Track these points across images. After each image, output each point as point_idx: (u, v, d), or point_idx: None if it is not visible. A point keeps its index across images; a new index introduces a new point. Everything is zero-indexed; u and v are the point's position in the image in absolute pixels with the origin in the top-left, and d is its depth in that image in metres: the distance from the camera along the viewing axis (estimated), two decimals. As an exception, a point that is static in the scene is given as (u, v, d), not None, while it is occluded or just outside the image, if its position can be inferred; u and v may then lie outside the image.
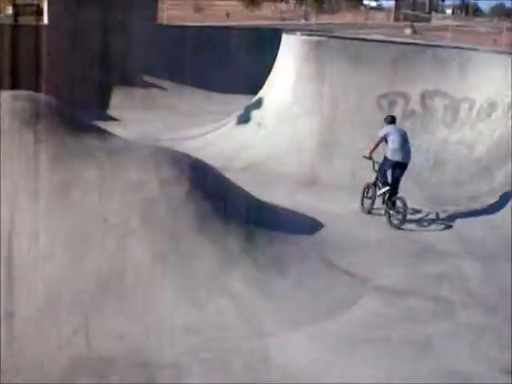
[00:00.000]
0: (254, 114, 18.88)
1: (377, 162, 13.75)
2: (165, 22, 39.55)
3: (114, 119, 24.09)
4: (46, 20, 29.13)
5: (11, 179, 9.57)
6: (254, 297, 9.12)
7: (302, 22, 69.79)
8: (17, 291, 8.64)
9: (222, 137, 18.82)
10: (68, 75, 25.68)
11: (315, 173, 16.22)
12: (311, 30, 29.88)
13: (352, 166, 16.15)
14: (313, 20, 65.53)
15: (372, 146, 13.72)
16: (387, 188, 13.51)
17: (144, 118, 24.10)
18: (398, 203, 13.32)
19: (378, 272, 10.59)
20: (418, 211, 14.07)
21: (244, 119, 19.15)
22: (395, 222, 13.25)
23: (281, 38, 19.96)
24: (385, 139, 13.55)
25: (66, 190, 9.46)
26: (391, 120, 13.94)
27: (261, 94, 19.69)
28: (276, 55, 19.82)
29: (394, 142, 13.31)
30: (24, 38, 27.76)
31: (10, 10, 61.32)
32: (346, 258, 10.93)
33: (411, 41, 24.54)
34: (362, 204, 14.14)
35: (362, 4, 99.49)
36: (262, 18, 62.42)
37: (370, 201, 13.97)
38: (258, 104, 19.20)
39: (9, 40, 27.34)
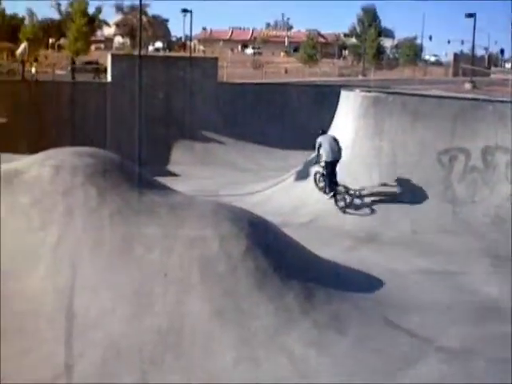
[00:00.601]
0: (313, 169, 18.91)
1: (320, 163, 17.57)
2: (225, 79, 40.31)
3: (175, 174, 24.46)
4: (109, 78, 29.97)
5: (74, 234, 9.77)
6: (312, 356, 8.97)
7: (360, 77, 70.15)
8: (77, 345, 8.72)
9: (281, 192, 18.89)
10: (130, 131, 26.28)
11: (375, 229, 16.05)
12: (369, 86, 30.01)
13: (412, 223, 16.00)
14: (371, 76, 65.76)
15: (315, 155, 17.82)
16: (332, 194, 17.26)
17: (204, 173, 24.41)
18: (340, 189, 17.17)
19: (440, 332, 10.32)
20: (475, 267, 13.78)
21: (303, 175, 19.20)
22: (341, 205, 17.06)
23: (339, 93, 20.08)
24: (320, 147, 17.44)
25: (128, 246, 9.59)
26: (322, 132, 18.01)
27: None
28: (334, 111, 19.91)
29: (325, 147, 17.28)
30: (88, 96, 28.64)
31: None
32: (408, 317, 10.66)
33: (471, 96, 24.36)
34: (318, 187, 17.98)
35: (420, 59, 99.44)
36: (321, 74, 62.91)
37: (322, 186, 17.80)
38: (317, 160, 19.21)
39: (74, 97, 28.21)
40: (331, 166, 17.11)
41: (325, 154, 17.22)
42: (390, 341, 9.81)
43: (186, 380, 8.28)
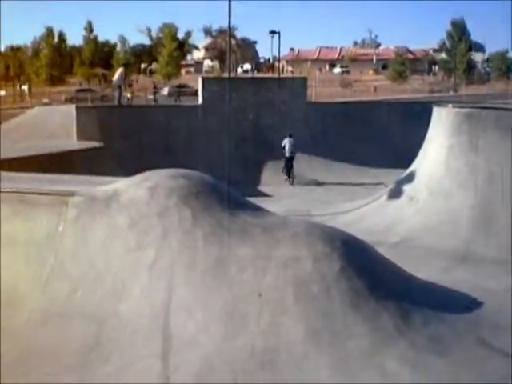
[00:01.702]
0: (406, 187, 18.66)
1: (283, 157, 27.69)
2: (313, 98, 40.40)
3: (266, 195, 24.58)
4: (200, 100, 30.48)
5: (169, 254, 9.95)
6: (409, 378, 8.77)
7: (451, 93, 68.99)
8: (172, 363, 8.83)
9: (374, 211, 18.70)
10: (221, 152, 26.58)
11: (470, 248, 15.62)
12: (462, 102, 29.44)
13: (510, 241, 15.50)
14: (462, 91, 64.63)
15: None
16: (286, 177, 27.42)
17: (294, 193, 24.41)
18: (292, 175, 27.02)
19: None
20: None
21: (396, 193, 18.97)
22: (291, 182, 26.95)
23: (430, 110, 19.78)
24: (284, 146, 27.18)
25: (222, 266, 9.67)
26: (289, 135, 27.25)
27: (412, 167, 19.48)
28: (426, 128, 19.61)
29: (287, 147, 27.05)
30: (180, 118, 29.22)
31: (165, 91, 65.21)
32: (506, 338, 10.32)
33: None
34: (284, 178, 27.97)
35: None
36: (410, 91, 62.20)
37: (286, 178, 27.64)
38: (410, 177, 18.99)
39: (167, 120, 28.83)
40: (289, 160, 26.82)
41: (286, 152, 26.78)
42: (487, 363, 9.49)
43: (281, 400, 8.25)
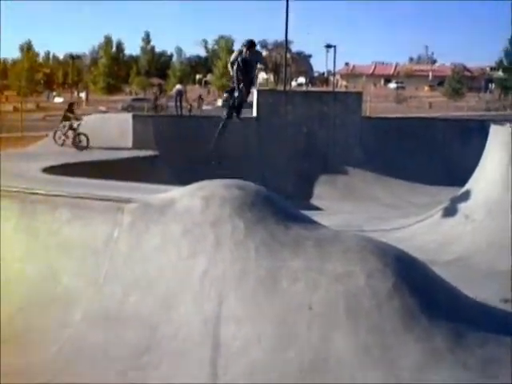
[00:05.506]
0: (462, 206, 18.36)
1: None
2: (368, 113, 40.22)
3: (318, 209, 24.50)
4: (254, 113, 30.59)
5: (221, 264, 9.97)
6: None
7: (508, 111, 67.89)
8: (221, 372, 8.84)
9: (428, 229, 18.43)
10: (275, 164, 26.67)
11: (528, 270, 15.28)
12: (520, 121, 28.95)
13: None
14: (520, 110, 63.51)
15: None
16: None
17: (346, 208, 24.28)
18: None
19: None
20: None
21: (451, 211, 18.68)
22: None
23: (486, 128, 19.54)
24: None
25: (273, 278, 9.64)
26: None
27: (468, 185, 19.18)
28: (482, 146, 19.35)
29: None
30: (236, 130, 29.30)
31: (219, 102, 66.21)
32: None
33: None
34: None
35: None
36: (466, 108, 61.42)
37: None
38: (466, 196, 18.69)
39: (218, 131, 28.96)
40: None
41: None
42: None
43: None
